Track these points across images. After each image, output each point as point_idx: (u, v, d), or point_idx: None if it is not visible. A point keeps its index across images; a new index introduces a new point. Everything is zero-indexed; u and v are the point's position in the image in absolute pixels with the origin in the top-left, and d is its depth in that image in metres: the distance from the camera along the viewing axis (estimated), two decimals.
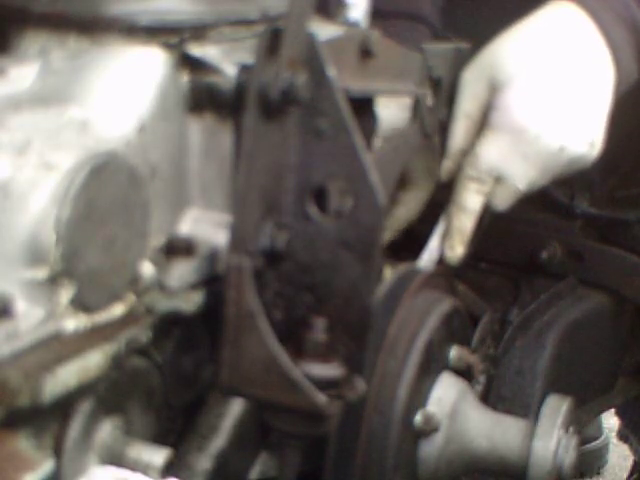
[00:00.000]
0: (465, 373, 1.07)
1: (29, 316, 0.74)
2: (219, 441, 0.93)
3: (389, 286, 1.02)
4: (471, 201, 1.17)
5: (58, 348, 0.75)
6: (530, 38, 1.15)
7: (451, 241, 1.18)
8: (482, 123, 1.16)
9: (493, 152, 1.14)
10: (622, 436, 2.20)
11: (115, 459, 0.82)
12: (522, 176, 1.15)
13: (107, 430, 0.82)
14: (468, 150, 1.17)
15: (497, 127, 1.14)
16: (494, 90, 1.14)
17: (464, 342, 1.09)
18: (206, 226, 0.87)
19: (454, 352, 1.05)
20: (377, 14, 1.12)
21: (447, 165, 1.18)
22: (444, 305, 1.05)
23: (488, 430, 1.03)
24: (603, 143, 1.16)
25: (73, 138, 0.78)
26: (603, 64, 1.15)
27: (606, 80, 1.15)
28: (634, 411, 1.93)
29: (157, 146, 0.84)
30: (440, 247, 1.18)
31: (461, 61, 1.18)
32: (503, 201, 1.17)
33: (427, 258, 1.17)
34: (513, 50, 1.15)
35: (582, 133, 1.15)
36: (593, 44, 1.15)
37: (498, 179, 1.15)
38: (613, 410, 2.01)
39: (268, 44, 0.79)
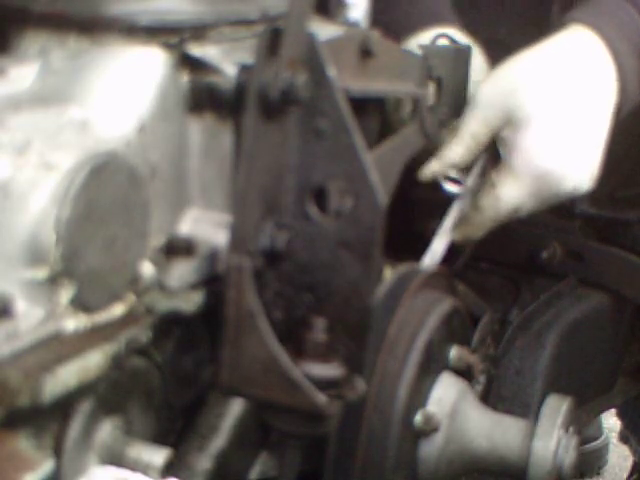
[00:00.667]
0: (465, 373, 1.06)
1: (29, 316, 0.74)
2: (219, 441, 0.93)
3: (389, 286, 1.02)
4: (480, 235, 1.20)
5: (58, 348, 0.75)
6: (548, 71, 1.15)
7: None
8: (485, 146, 1.17)
9: (514, 194, 1.16)
10: (623, 437, 2.20)
11: (115, 459, 0.82)
12: (531, 209, 1.18)
13: (107, 430, 0.82)
14: (462, 166, 1.17)
15: (520, 171, 1.15)
16: (510, 123, 1.14)
17: (464, 342, 1.09)
18: (206, 226, 0.87)
19: (454, 352, 1.05)
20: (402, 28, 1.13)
21: (433, 168, 1.17)
22: (444, 305, 1.05)
23: (488, 430, 1.03)
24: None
25: (73, 138, 0.78)
26: (609, 94, 1.16)
27: (609, 111, 1.16)
28: (634, 412, 1.93)
29: (157, 146, 0.84)
30: (443, 250, 1.19)
31: (461, 61, 1.18)
32: (504, 223, 1.20)
33: (429, 260, 1.17)
34: (531, 83, 1.14)
35: (590, 171, 1.17)
36: (605, 77, 1.15)
37: (511, 214, 1.18)
38: (613, 410, 2.01)
39: (268, 44, 0.79)
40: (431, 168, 1.17)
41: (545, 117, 1.14)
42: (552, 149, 1.14)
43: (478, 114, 1.16)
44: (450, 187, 1.20)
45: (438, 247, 1.18)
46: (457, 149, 1.16)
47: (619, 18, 1.16)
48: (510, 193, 1.16)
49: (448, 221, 1.19)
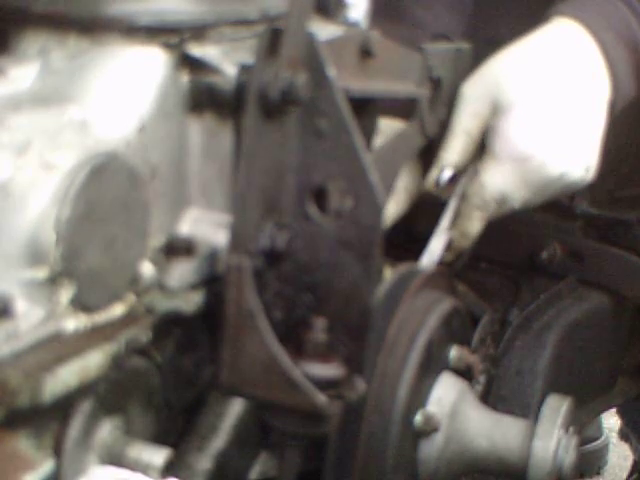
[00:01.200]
0: (465, 373, 1.06)
1: (29, 316, 0.74)
2: (219, 441, 0.93)
3: (389, 286, 1.02)
4: (474, 227, 1.19)
5: (58, 348, 0.75)
6: (532, 60, 1.15)
7: (448, 256, 1.20)
8: (480, 141, 1.16)
9: (498, 180, 1.15)
10: (623, 435, 2.20)
11: (115, 459, 0.82)
12: (521, 199, 1.17)
13: (107, 430, 0.82)
14: (461, 166, 1.17)
15: (501, 155, 1.15)
16: (495, 111, 1.14)
17: (464, 342, 1.09)
18: (206, 226, 0.87)
19: (454, 352, 1.05)
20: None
21: (434, 175, 1.18)
22: (444, 305, 1.05)
23: (488, 430, 1.03)
24: (597, 167, 1.17)
25: (73, 138, 0.78)
26: (601, 87, 1.16)
27: (603, 104, 1.16)
28: (634, 411, 1.93)
29: (157, 146, 0.84)
30: (441, 249, 1.18)
31: (461, 61, 1.18)
32: (496, 218, 1.19)
33: (428, 259, 1.17)
34: (515, 72, 1.15)
35: (580, 159, 1.16)
36: (594, 67, 1.15)
37: (499, 203, 1.17)
38: (613, 410, 2.01)
39: (268, 44, 0.79)
40: (432, 176, 1.18)
41: (527, 102, 1.13)
42: (533, 133, 1.14)
43: (467, 109, 1.16)
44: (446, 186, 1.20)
45: (436, 246, 1.18)
46: (454, 149, 1.16)
47: (604, 10, 1.16)
48: (493, 179, 1.15)
49: (445, 220, 1.19)
